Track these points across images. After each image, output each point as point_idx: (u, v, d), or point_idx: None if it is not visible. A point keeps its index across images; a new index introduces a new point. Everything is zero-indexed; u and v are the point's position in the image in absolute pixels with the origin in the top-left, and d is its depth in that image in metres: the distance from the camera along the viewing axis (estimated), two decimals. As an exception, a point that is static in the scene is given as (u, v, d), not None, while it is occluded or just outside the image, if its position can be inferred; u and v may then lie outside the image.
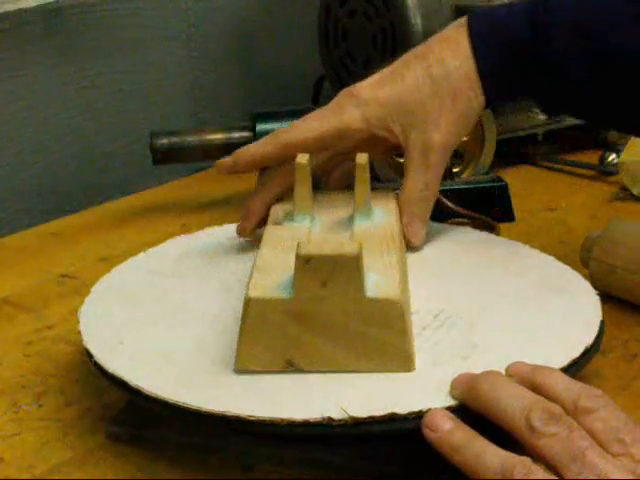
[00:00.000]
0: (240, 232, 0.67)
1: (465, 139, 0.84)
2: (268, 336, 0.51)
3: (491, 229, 0.78)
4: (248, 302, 0.51)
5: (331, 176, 0.69)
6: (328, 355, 0.51)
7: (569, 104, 0.66)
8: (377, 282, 0.52)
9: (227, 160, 0.65)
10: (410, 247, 0.65)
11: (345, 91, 0.66)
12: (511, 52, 0.64)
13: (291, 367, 0.51)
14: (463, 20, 0.65)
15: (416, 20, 0.91)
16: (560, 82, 0.64)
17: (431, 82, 0.64)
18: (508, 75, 0.64)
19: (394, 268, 0.54)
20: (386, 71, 0.66)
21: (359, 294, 0.50)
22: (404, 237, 0.64)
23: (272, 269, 0.54)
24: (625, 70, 0.62)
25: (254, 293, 0.51)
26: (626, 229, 0.68)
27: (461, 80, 0.64)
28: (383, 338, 0.51)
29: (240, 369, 0.51)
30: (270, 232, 0.61)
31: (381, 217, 0.63)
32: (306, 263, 0.50)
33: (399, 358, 0.51)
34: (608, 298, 0.65)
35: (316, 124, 0.65)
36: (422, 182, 0.65)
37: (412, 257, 0.65)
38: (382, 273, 0.53)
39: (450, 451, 0.45)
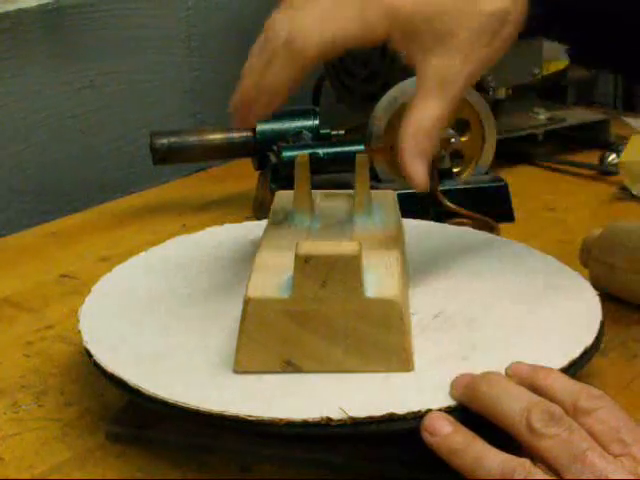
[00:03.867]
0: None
1: (465, 139, 0.84)
2: (267, 336, 0.51)
3: (491, 229, 0.78)
4: (247, 302, 0.51)
5: None
6: (327, 355, 0.51)
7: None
8: (376, 282, 0.52)
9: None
10: (416, 189, 0.55)
11: None
12: None
13: (290, 367, 0.51)
14: None
15: (416, 20, 0.91)
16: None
17: None
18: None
19: (393, 268, 0.54)
20: None
21: (358, 294, 0.50)
22: (407, 179, 0.55)
23: (271, 269, 0.54)
24: None
25: (253, 293, 0.51)
26: (626, 229, 0.68)
27: None
28: (382, 338, 0.51)
29: (239, 370, 0.51)
30: (269, 232, 0.61)
31: (381, 217, 0.63)
32: (305, 263, 0.50)
33: (398, 358, 0.51)
34: (608, 298, 0.65)
35: (334, 31, 0.53)
36: (432, 114, 0.54)
37: (412, 257, 0.65)
38: (381, 273, 0.53)
39: (449, 455, 0.45)
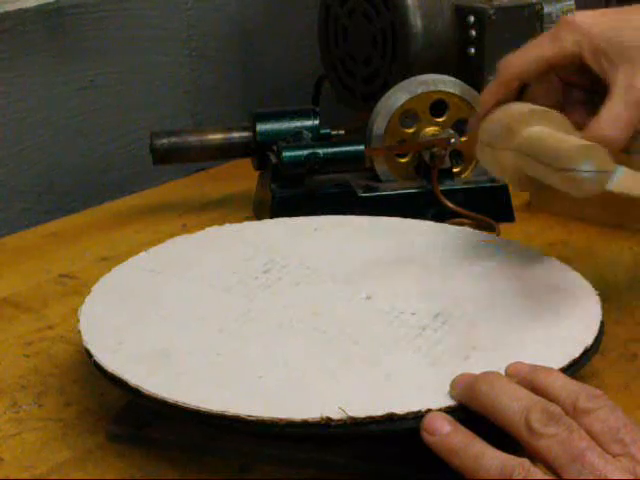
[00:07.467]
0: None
1: (465, 139, 0.84)
2: None
3: (491, 229, 0.79)
4: None
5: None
6: None
7: None
8: None
9: (472, 120, 0.66)
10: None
11: (564, 18, 0.64)
12: None
13: None
14: None
15: (416, 20, 0.91)
16: None
17: None
18: None
19: None
20: (615, 9, 0.64)
21: None
22: None
23: None
24: None
25: None
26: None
27: None
28: None
29: None
30: None
31: None
32: None
33: None
34: (608, 298, 0.65)
35: (533, 53, 0.64)
36: (615, 117, 0.60)
37: (412, 257, 0.65)
38: None
39: (449, 454, 0.45)
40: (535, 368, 0.49)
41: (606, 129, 0.59)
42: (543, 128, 0.59)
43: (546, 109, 0.61)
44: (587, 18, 0.62)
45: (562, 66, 0.63)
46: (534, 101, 0.64)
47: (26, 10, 0.92)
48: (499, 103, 0.64)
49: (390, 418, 0.47)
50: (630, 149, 0.61)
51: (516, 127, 0.60)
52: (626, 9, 0.63)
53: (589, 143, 0.56)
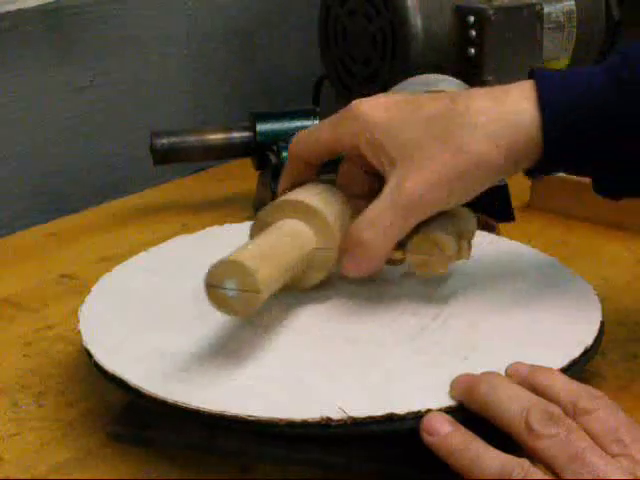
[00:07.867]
0: None
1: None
2: None
3: (491, 229, 0.78)
4: None
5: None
6: None
7: None
8: None
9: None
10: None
11: (351, 104, 0.58)
12: (588, 114, 0.53)
13: None
14: (525, 83, 0.55)
15: (416, 20, 0.91)
16: None
17: (443, 127, 0.54)
18: (578, 141, 0.54)
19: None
20: (405, 97, 0.58)
21: None
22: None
23: None
24: None
25: None
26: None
27: (483, 136, 0.54)
28: None
29: None
30: None
31: None
32: None
33: None
34: (608, 298, 0.65)
35: (313, 136, 0.59)
36: (375, 220, 0.55)
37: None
38: None
39: (448, 455, 0.45)
40: (535, 368, 0.49)
41: (364, 232, 0.55)
42: (277, 225, 0.57)
43: (301, 200, 0.57)
44: (371, 107, 0.56)
45: (348, 155, 0.59)
46: (342, 186, 0.60)
47: (26, 10, 0.92)
48: (295, 184, 0.60)
49: (390, 418, 0.47)
50: (407, 246, 0.57)
51: (271, 222, 0.57)
52: (419, 98, 0.57)
53: (236, 259, 0.51)
